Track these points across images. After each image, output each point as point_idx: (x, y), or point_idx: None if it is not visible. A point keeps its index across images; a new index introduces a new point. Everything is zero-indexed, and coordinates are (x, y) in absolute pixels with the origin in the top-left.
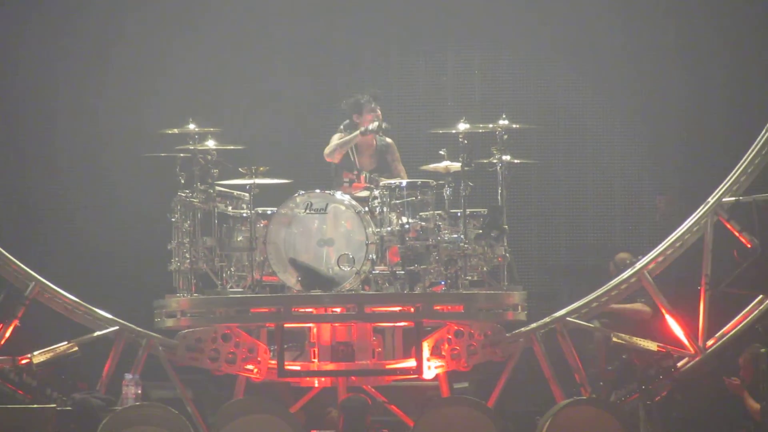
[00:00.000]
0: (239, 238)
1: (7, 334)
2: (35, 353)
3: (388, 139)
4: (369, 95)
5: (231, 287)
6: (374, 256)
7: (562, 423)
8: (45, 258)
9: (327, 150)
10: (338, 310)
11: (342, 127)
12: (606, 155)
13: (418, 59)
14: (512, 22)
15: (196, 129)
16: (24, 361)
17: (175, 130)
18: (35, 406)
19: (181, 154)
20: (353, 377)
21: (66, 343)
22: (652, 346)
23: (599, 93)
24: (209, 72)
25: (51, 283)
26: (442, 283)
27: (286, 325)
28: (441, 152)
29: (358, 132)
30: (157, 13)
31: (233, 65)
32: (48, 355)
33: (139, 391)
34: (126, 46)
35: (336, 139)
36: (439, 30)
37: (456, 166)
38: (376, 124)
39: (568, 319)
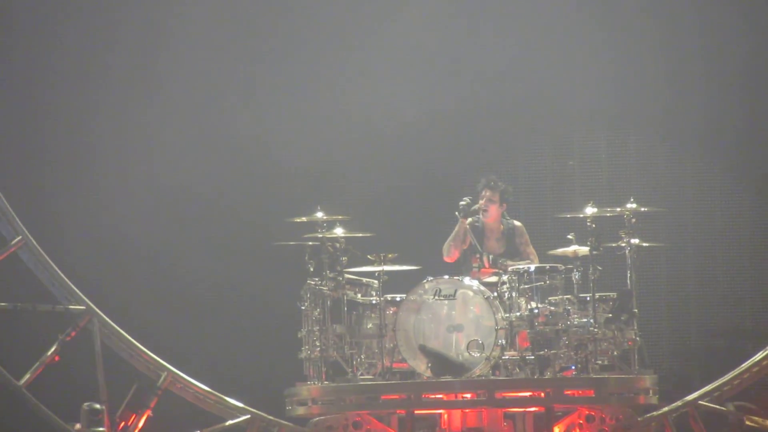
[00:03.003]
0: (369, 325)
1: (141, 424)
2: None
3: (517, 222)
4: (484, 180)
5: (361, 374)
6: (504, 342)
7: None
8: (177, 348)
9: (443, 249)
10: (468, 395)
11: (457, 213)
12: (734, 235)
13: (545, 143)
14: (637, 107)
15: (325, 217)
16: None
17: (304, 219)
18: None
19: (310, 242)
20: None
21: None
22: None
23: (726, 172)
24: (336, 159)
25: (182, 372)
26: (573, 367)
27: (416, 412)
28: (569, 236)
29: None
30: (280, 101)
31: (359, 153)
32: None
33: None
34: (249, 134)
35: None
36: (565, 114)
37: (584, 250)
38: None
39: (700, 402)
